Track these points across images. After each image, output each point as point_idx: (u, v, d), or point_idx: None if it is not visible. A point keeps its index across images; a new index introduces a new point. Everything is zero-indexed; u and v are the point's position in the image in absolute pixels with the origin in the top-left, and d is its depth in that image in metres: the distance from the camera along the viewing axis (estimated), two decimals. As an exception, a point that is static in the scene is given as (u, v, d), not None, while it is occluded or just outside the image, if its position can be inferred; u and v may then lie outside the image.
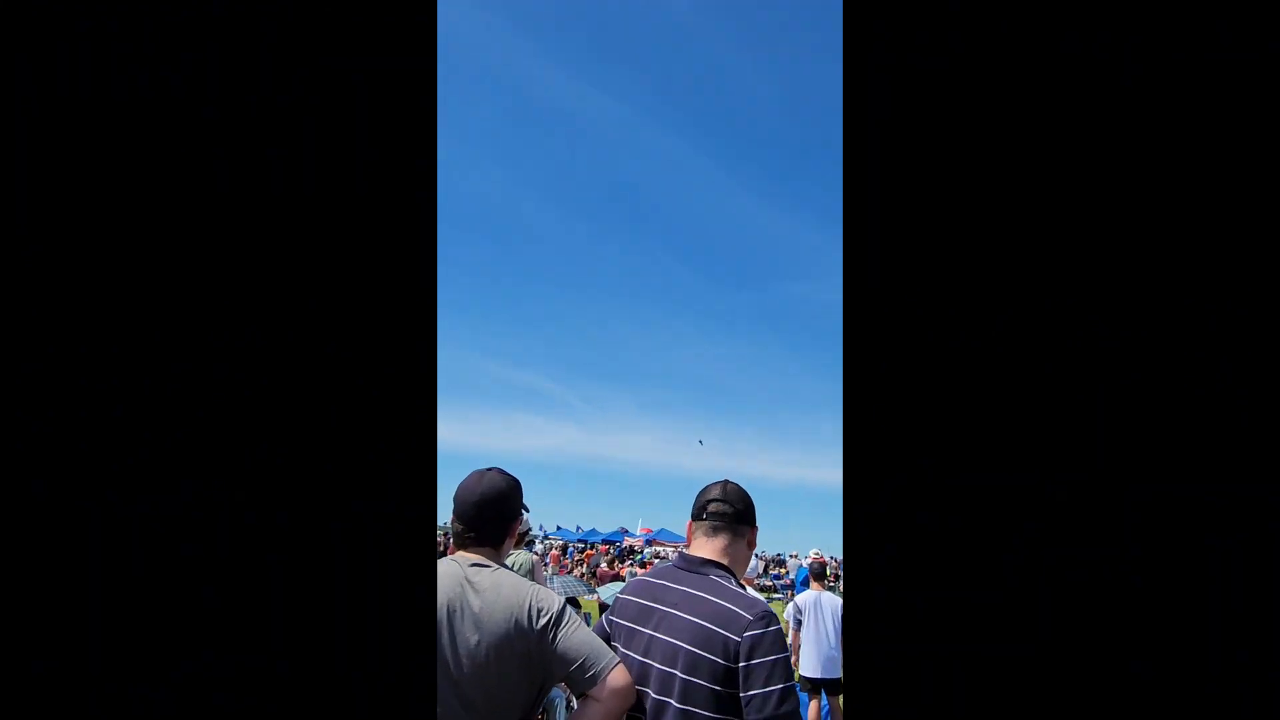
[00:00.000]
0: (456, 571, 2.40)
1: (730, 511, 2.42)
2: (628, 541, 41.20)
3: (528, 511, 2.51)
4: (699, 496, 2.50)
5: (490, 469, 2.65)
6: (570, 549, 32.82)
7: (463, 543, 2.55)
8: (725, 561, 2.39)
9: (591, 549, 33.72)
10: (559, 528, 49.32)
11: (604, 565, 22.78)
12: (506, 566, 2.51)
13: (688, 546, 2.48)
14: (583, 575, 21.65)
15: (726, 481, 2.50)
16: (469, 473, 2.66)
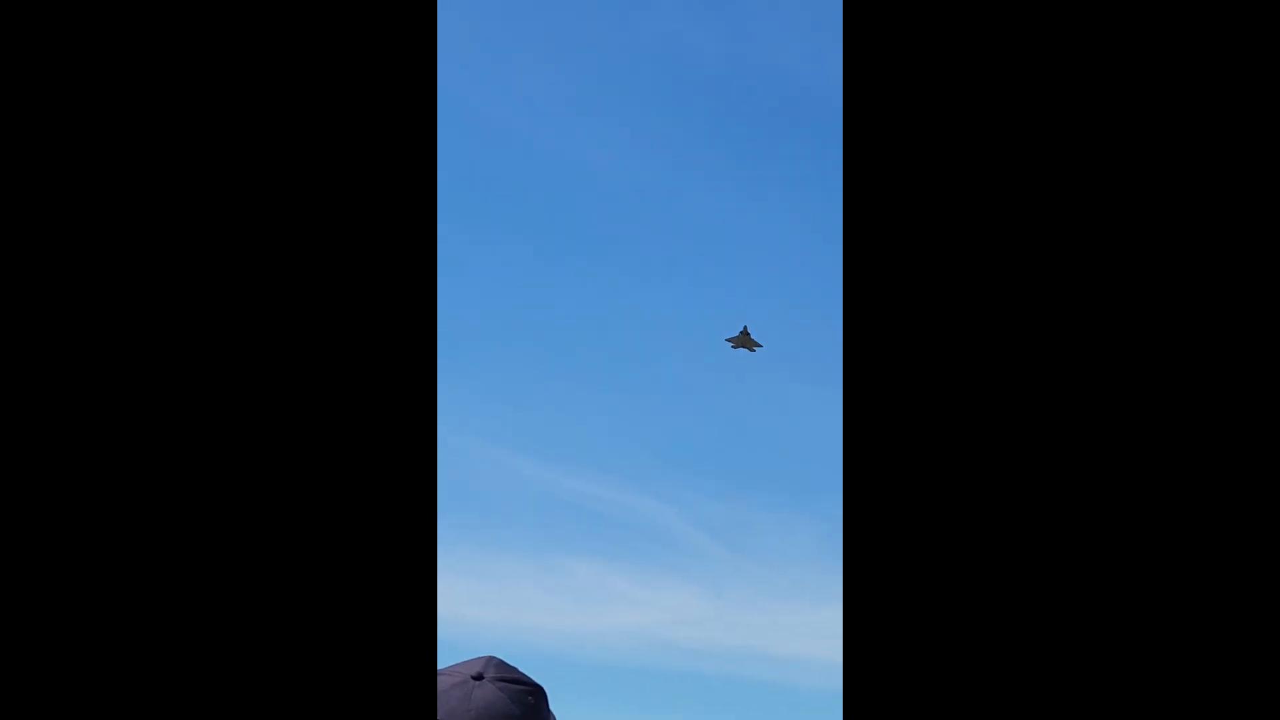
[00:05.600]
0: None
1: None
2: None
3: None
4: None
5: (479, 672, 1.42)
6: None
7: None
8: None
9: None
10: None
11: None
12: None
13: None
14: None
15: None
16: (438, 674, 1.41)
